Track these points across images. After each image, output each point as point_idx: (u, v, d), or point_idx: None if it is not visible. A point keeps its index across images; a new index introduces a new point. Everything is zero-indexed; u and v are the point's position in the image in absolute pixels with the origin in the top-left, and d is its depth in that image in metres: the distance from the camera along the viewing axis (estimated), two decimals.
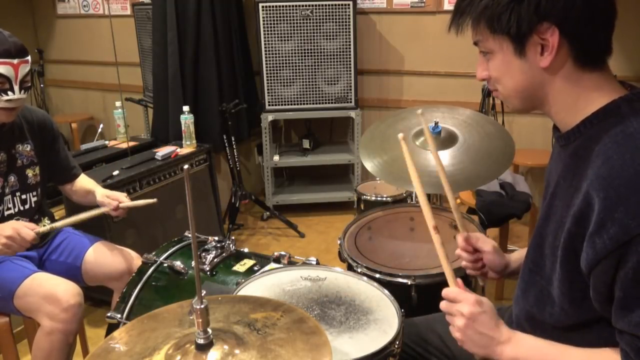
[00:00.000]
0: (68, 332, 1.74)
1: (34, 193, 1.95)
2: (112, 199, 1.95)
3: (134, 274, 1.69)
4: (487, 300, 1.06)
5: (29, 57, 1.80)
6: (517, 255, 1.34)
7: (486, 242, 1.31)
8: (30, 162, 1.93)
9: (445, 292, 1.07)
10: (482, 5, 0.95)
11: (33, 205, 1.94)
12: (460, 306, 1.03)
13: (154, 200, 1.98)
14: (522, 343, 1.02)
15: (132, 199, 2.00)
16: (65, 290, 1.74)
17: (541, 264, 1.04)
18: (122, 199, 1.96)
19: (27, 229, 1.72)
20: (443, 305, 1.07)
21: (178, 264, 1.66)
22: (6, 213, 1.86)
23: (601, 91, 0.95)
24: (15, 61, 1.73)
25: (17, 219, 1.87)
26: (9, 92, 1.74)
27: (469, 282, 1.65)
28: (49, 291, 1.72)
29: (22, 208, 1.91)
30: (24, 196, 1.91)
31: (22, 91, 1.77)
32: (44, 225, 1.94)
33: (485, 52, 1.01)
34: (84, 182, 2.13)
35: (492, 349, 1.02)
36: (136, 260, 2.00)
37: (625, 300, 0.85)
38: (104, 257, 1.98)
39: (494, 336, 1.02)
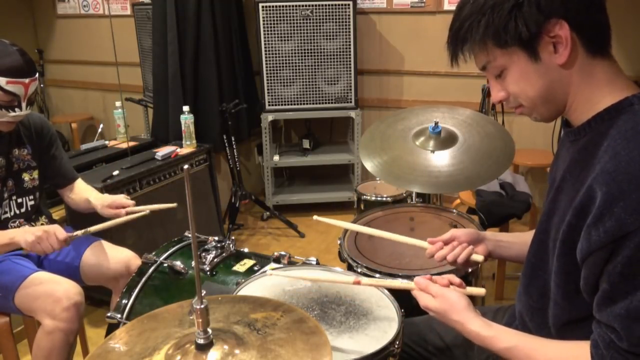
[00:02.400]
0: (69, 331, 1.74)
1: (31, 197, 1.95)
2: (115, 207, 1.92)
3: (134, 274, 1.68)
4: (441, 298, 1.12)
5: (37, 75, 1.82)
6: (496, 233, 1.39)
7: (447, 233, 1.36)
8: (27, 166, 1.94)
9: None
10: (482, 25, 0.95)
11: (29, 208, 1.94)
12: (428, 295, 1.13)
13: (174, 204, 1.91)
14: (489, 345, 1.05)
15: (132, 199, 1.99)
16: (66, 289, 1.74)
17: (545, 258, 1.05)
18: (126, 202, 1.93)
19: (61, 230, 1.73)
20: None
21: (178, 264, 1.66)
22: (3, 217, 1.87)
23: (613, 85, 0.96)
24: (27, 80, 1.75)
25: (15, 221, 1.88)
26: (17, 109, 1.76)
27: (468, 282, 1.65)
28: (49, 290, 1.73)
29: (17, 212, 1.91)
30: (20, 200, 1.92)
31: (28, 107, 1.80)
32: (41, 222, 1.94)
33: (497, 72, 1.01)
34: (81, 188, 2.11)
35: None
36: (135, 260, 2.00)
37: (611, 293, 0.87)
38: (103, 257, 1.98)
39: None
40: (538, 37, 0.93)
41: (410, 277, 1.58)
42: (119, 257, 1.99)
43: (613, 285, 0.86)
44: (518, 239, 1.35)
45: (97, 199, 1.98)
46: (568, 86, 0.97)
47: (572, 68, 0.95)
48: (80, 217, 2.48)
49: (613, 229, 0.83)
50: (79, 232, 1.79)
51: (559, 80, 0.97)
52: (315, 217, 1.59)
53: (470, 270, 1.61)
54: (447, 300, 1.10)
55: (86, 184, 2.14)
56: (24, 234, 1.71)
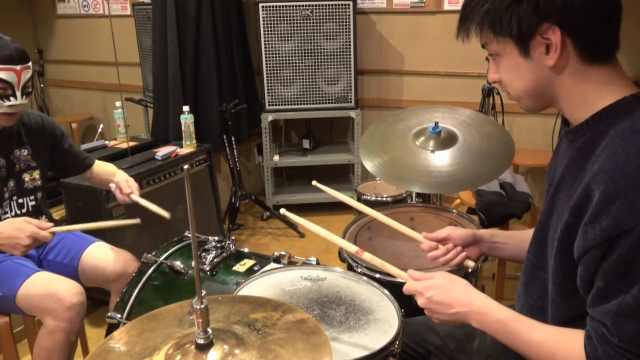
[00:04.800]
0: (70, 331, 1.74)
1: (31, 197, 1.95)
2: (124, 193, 2.02)
3: (133, 274, 1.69)
4: (441, 275, 1.14)
5: (30, 63, 1.81)
6: (493, 231, 1.41)
7: (443, 230, 1.40)
8: (27, 167, 1.94)
9: (405, 289, 1.18)
10: (483, 10, 0.97)
11: (30, 209, 1.94)
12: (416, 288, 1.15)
13: (167, 216, 1.97)
14: (490, 314, 1.06)
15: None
16: (68, 289, 1.74)
17: (544, 257, 1.05)
18: (135, 191, 2.05)
19: (44, 233, 1.72)
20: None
21: (178, 264, 1.66)
22: (3, 217, 1.87)
23: (612, 86, 0.96)
24: (18, 67, 1.74)
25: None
26: (11, 98, 1.75)
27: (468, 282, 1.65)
28: (51, 290, 1.73)
29: (18, 212, 1.91)
30: (20, 200, 1.92)
31: (24, 97, 1.79)
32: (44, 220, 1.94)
33: (493, 55, 1.03)
34: (101, 168, 2.17)
35: (458, 317, 1.09)
36: (133, 262, 1.99)
37: (605, 290, 0.88)
38: (101, 259, 1.98)
39: (453, 305, 1.09)
40: (531, 36, 0.94)
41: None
42: (117, 259, 1.98)
43: (608, 282, 0.87)
44: (513, 240, 1.37)
45: (120, 178, 2.08)
46: (558, 87, 0.97)
47: (562, 72, 0.95)
48: (81, 217, 2.48)
49: (609, 228, 0.84)
50: (58, 229, 1.79)
51: (548, 80, 0.97)
52: (314, 182, 1.63)
53: (470, 270, 1.61)
54: (446, 275, 1.13)
55: (105, 162, 2.21)
56: (11, 240, 1.69)
